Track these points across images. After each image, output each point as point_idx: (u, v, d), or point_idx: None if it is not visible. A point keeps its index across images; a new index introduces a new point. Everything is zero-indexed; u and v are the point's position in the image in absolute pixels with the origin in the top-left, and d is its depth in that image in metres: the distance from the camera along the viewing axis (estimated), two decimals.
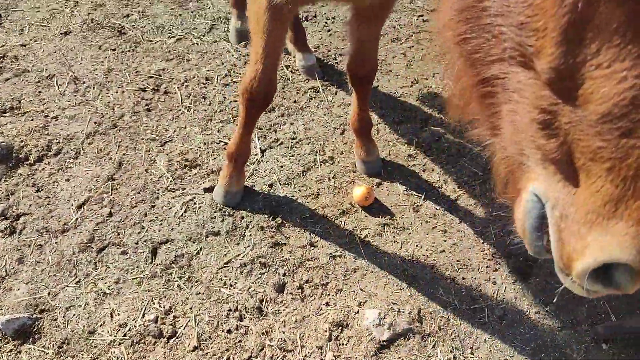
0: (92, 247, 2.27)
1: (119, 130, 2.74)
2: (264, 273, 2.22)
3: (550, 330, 2.12)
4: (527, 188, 0.87)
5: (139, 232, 2.33)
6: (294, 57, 3.14)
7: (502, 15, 0.79)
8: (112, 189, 2.49)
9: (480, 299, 2.19)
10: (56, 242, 2.28)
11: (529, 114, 0.80)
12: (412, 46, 3.34)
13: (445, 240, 2.37)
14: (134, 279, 2.18)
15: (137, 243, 2.29)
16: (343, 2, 1.87)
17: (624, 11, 0.65)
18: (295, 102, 2.95)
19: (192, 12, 3.52)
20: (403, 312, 2.12)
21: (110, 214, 2.39)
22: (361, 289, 2.19)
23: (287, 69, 3.13)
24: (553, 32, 0.72)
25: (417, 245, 2.35)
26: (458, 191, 2.57)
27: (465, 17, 0.85)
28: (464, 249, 2.34)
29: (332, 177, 2.59)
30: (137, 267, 2.22)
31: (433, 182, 2.60)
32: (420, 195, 2.54)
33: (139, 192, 2.47)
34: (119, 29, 3.35)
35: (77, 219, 2.36)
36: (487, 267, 2.29)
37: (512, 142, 0.86)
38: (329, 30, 3.44)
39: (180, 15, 3.49)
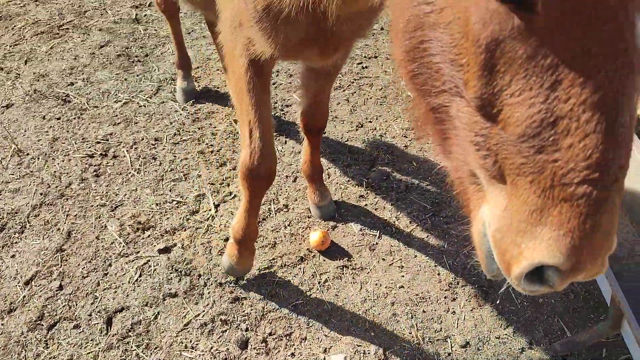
0: (42, 325, 2.17)
1: (67, 199, 2.69)
2: (225, 330, 2.18)
3: (511, 353, 2.17)
4: (477, 213, 0.97)
5: (92, 303, 2.25)
6: None
7: (438, 54, 0.93)
8: (61, 261, 2.41)
9: (442, 330, 2.23)
10: (2, 324, 2.16)
11: (467, 137, 0.92)
12: (355, 92, 3.51)
13: (402, 276, 2.42)
14: (89, 353, 2.08)
15: (90, 315, 2.21)
16: (314, 61, 1.91)
17: (524, 50, 0.79)
18: None
19: (137, 76, 3.58)
20: (369, 353, 2.12)
21: (61, 287, 2.31)
22: (325, 335, 2.19)
23: (236, 123, 3.21)
24: (474, 67, 0.85)
25: (376, 284, 2.39)
26: (410, 226, 2.65)
27: (412, 57, 0.99)
28: (421, 283, 2.40)
29: (288, 225, 2.62)
30: (92, 340, 2.13)
31: (386, 220, 2.67)
32: (374, 234, 2.60)
33: (90, 261, 2.41)
34: (63, 98, 3.35)
35: (24, 297, 2.26)
36: (445, 297, 2.35)
37: (462, 163, 0.97)
38: (274, 83, 3.57)
39: (125, 79, 3.54)
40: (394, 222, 2.67)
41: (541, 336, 2.23)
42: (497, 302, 2.34)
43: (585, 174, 0.76)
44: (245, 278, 2.36)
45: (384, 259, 2.49)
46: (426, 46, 0.94)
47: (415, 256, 2.51)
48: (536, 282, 0.85)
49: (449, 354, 2.16)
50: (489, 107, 0.85)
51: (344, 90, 3.52)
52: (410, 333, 2.21)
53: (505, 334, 2.23)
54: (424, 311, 2.29)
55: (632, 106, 0.78)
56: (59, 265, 2.39)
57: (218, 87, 3.50)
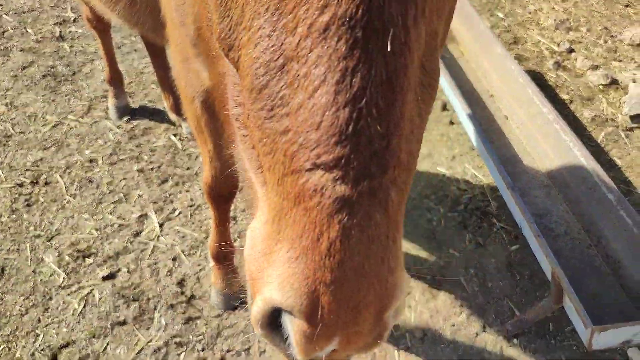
0: None
1: None
2: (181, 353, 2.10)
3: (468, 339, 2.23)
4: None
5: (33, 342, 2.11)
6: (180, 125, 3.14)
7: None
8: None
9: (399, 325, 2.26)
10: None
11: (233, 112, 0.66)
12: None
13: None
14: None
15: (33, 354, 2.07)
16: None
17: None
18: (188, 168, 2.92)
19: (66, 96, 3.39)
20: None
21: None
22: None
23: (176, 136, 3.12)
24: None
25: None
26: None
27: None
28: None
29: (237, 237, 2.57)
30: None
31: None
32: None
33: (28, 297, 2.25)
34: None
35: None
36: None
37: (244, 162, 0.70)
38: None
39: (53, 100, 3.35)
40: None
41: (493, 319, 2.31)
42: (450, 291, 2.40)
43: (316, 154, 0.46)
44: (200, 297, 2.29)
45: None
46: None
47: None
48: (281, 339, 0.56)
49: (408, 348, 2.19)
50: (232, 52, 0.59)
51: None
52: None
53: (460, 321, 2.29)
54: None
55: (408, 46, 0.46)
56: None
57: (154, 101, 3.38)
